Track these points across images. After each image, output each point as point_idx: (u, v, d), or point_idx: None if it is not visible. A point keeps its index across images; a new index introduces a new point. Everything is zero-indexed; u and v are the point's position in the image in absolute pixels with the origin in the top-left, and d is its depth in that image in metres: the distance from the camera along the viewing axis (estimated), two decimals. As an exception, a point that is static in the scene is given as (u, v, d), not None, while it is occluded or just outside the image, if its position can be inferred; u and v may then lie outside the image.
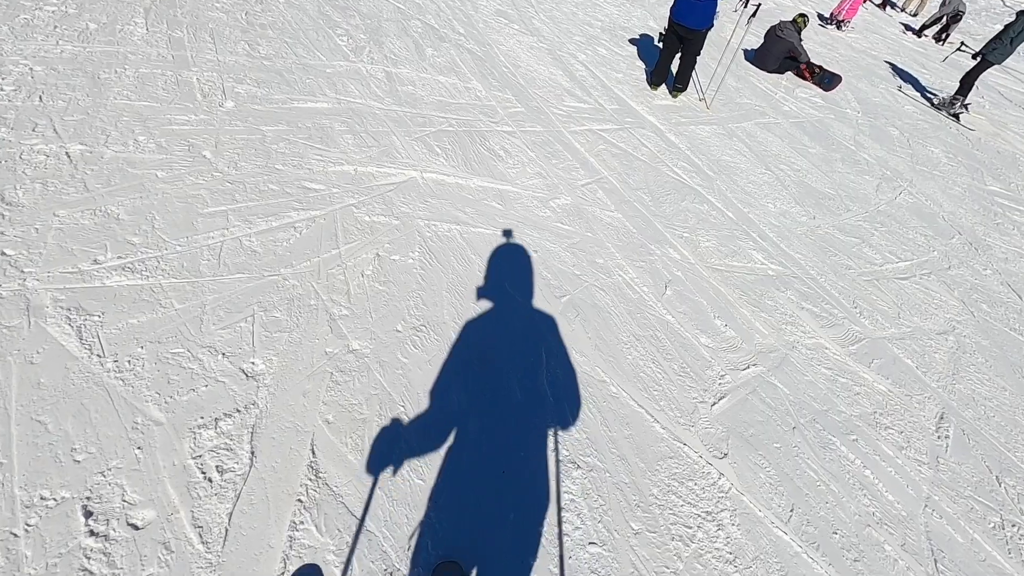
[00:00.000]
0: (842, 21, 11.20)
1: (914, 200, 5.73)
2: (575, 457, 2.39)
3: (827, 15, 11.54)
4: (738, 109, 6.55)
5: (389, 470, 2.12)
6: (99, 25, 3.92)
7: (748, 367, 3.15)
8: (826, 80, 7.97)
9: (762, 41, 7.86)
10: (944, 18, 12.09)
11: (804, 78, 8.13)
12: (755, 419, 2.85)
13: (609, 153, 4.72)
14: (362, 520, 1.97)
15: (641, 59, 7.01)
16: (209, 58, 4.00)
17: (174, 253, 2.62)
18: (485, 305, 2.91)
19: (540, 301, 3.06)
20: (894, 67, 10.62)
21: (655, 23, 8.55)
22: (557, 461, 2.34)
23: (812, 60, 8.26)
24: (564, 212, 3.80)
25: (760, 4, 6.01)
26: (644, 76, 6.57)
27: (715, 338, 3.26)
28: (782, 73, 8.07)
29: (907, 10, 15.03)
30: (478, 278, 3.06)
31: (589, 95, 5.62)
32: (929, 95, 9.58)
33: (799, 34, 7.76)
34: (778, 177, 5.34)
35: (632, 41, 7.48)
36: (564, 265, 3.36)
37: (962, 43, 10.84)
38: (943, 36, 12.28)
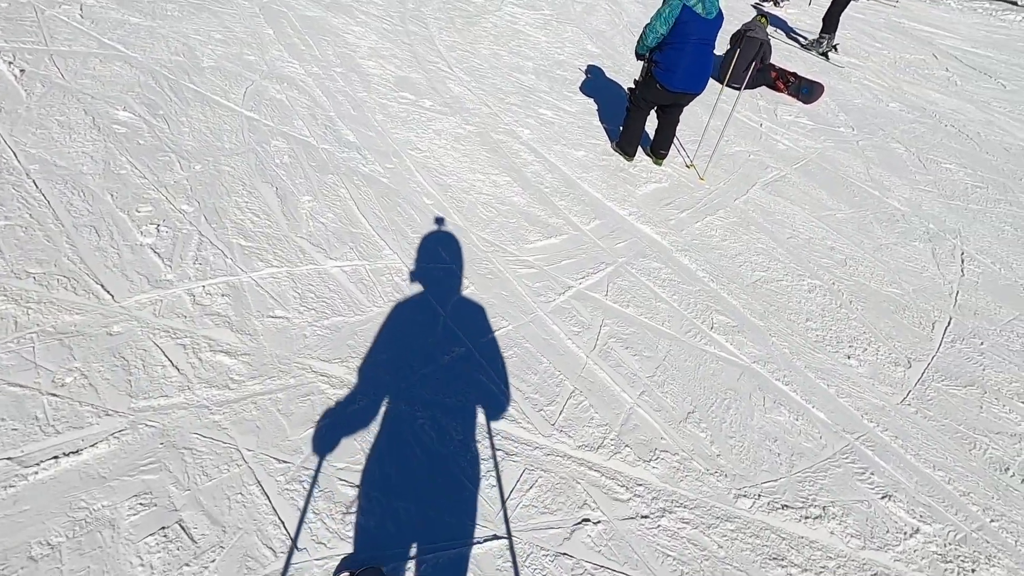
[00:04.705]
0: (779, -4, 9.55)
1: (983, 270, 4.20)
2: None
3: (764, -9, 9.84)
4: (733, 167, 4.78)
5: None
6: None
7: None
8: (804, 90, 6.31)
9: (728, 50, 6.03)
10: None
11: (779, 90, 6.44)
12: None
13: (619, 341, 2.86)
14: None
15: (596, 113, 5.08)
16: None
17: None
18: None
19: None
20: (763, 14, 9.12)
21: (592, 45, 6.57)
22: None
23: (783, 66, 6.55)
24: (603, 558, 1.95)
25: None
26: (608, 140, 4.68)
27: None
28: (754, 88, 6.35)
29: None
30: None
31: (556, 212, 3.68)
32: (795, 36, 8.33)
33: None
34: (830, 288, 3.65)
35: (578, 86, 5.51)
36: None
37: None
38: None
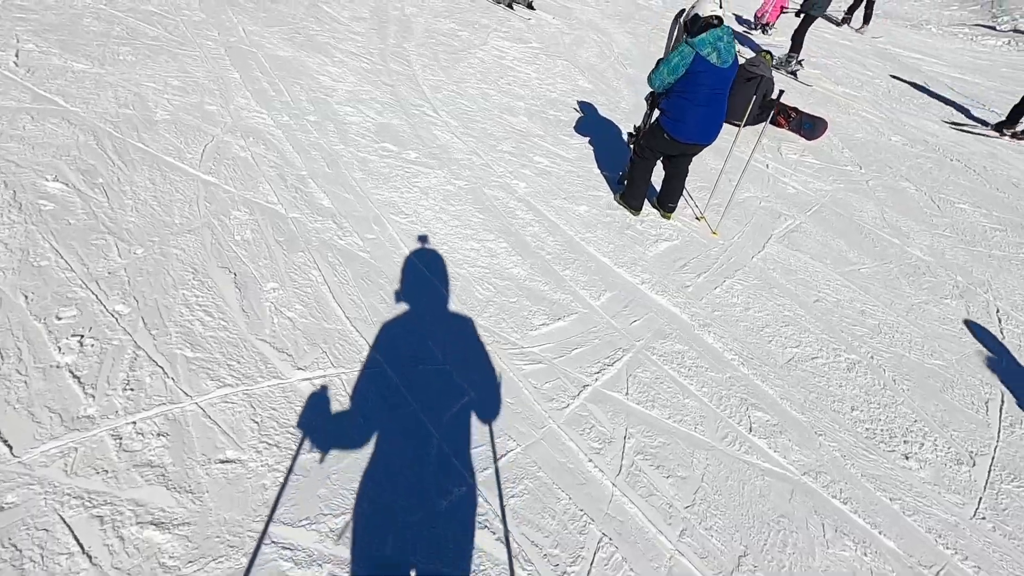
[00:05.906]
0: (767, 24, 9.32)
1: (1023, 330, 3.82)
2: None
3: (751, 18, 9.61)
4: (745, 216, 4.37)
5: None
6: None
7: None
8: (807, 126, 5.97)
9: (736, 87, 5.64)
10: (863, -1, 10.61)
11: (779, 125, 6.09)
12: None
13: (647, 458, 2.37)
14: None
15: (595, 159, 4.65)
16: None
17: None
18: None
19: None
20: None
21: (585, 80, 6.17)
22: None
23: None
24: None
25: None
26: (610, 191, 4.23)
27: None
28: (754, 124, 5.98)
29: None
30: None
31: (560, 284, 3.20)
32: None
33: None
34: (869, 363, 3.21)
35: (573, 127, 5.08)
36: None
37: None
38: (867, 15, 10.78)
